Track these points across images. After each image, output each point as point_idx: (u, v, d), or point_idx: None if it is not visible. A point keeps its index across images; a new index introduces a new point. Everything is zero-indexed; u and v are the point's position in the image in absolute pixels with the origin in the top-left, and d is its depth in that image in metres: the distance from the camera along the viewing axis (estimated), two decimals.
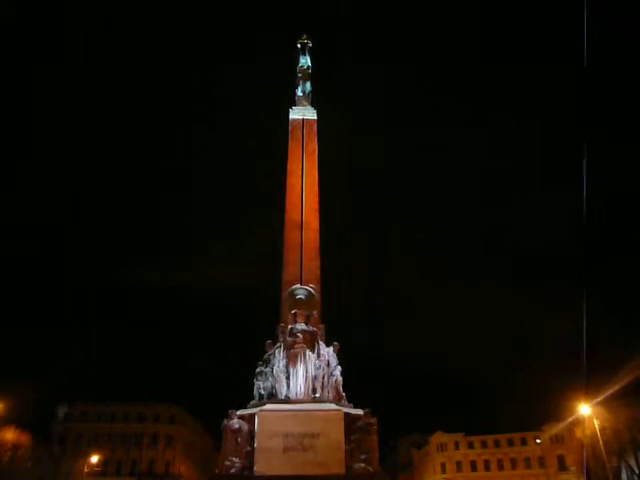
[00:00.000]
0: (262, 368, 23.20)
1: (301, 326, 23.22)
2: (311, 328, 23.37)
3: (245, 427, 21.01)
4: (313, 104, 31.97)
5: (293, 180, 29.08)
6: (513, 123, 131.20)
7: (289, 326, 23.37)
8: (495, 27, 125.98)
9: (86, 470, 61.39)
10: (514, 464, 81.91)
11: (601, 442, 39.57)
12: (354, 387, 23.50)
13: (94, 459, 63.31)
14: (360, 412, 21.72)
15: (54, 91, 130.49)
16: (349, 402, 22.45)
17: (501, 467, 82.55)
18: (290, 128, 30.83)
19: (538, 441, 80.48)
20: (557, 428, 71.43)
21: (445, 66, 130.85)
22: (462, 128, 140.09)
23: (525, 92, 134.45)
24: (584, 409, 38.59)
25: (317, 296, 25.44)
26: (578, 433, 56.06)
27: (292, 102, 32.11)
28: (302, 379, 22.01)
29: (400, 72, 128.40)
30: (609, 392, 41.15)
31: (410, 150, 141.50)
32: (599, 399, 40.71)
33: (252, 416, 21.15)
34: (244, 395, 23.11)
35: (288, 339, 22.98)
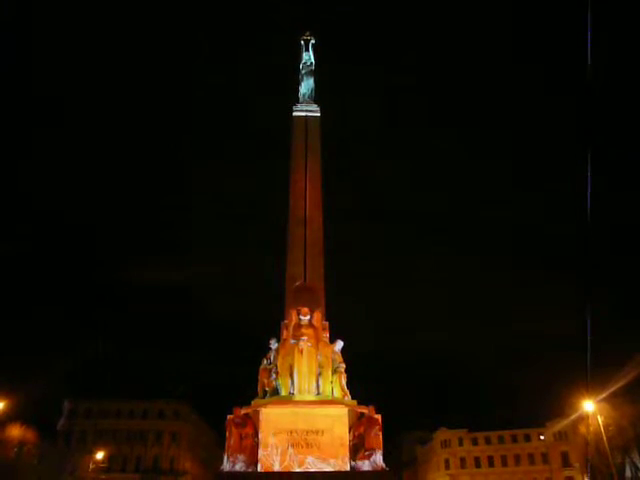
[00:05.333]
0: (266, 365, 23.24)
1: (305, 323, 23.18)
2: (315, 325, 23.35)
3: (249, 424, 21.06)
4: (316, 101, 31.82)
5: (296, 177, 29.01)
6: (512, 123, 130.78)
7: (293, 323, 23.35)
8: (497, 27, 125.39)
9: (91, 466, 61.69)
10: (518, 460, 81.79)
11: (605, 439, 39.50)
12: (358, 383, 23.51)
13: (99, 455, 63.57)
14: (364, 409, 21.72)
15: (54, 90, 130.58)
16: (353, 398, 22.47)
17: (505, 463, 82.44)
18: (293, 125, 30.75)
19: (542, 437, 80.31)
20: (561, 424, 71.25)
21: (445, 65, 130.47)
22: (462, 127, 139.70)
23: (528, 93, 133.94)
24: (588, 406, 38.45)
25: (321, 293, 25.43)
26: (582, 430, 56.04)
27: (295, 99, 31.99)
28: (306, 376, 22.01)
29: (401, 70, 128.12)
30: (613, 388, 41.13)
31: (412, 148, 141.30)
32: (603, 395, 40.67)
33: (256, 413, 21.19)
34: (248, 392, 23.21)
35: (292, 336, 22.98)
